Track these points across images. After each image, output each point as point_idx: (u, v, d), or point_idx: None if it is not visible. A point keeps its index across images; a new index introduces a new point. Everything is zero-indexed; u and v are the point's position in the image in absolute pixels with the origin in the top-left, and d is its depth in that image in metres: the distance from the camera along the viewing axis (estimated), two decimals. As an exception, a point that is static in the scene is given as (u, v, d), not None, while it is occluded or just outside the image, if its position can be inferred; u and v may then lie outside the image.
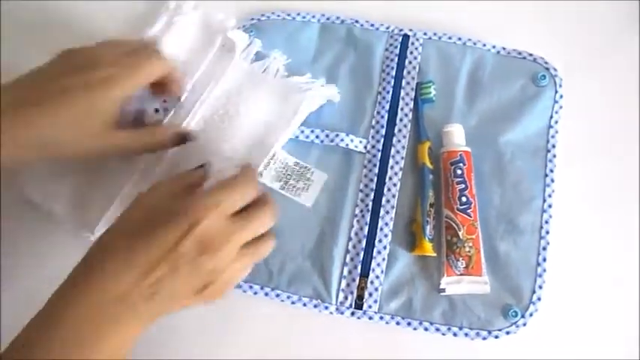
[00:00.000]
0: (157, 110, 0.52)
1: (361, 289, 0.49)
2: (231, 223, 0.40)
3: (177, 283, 0.38)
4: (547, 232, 0.50)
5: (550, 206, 0.51)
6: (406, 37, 0.55)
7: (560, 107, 0.53)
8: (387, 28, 0.56)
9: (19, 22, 0.60)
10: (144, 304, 0.37)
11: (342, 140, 0.52)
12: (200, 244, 0.38)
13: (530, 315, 0.49)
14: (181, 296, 0.39)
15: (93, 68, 0.44)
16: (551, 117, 0.53)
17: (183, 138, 0.49)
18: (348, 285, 0.49)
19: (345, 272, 0.50)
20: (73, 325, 0.36)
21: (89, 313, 0.37)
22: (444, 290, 0.49)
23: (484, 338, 0.48)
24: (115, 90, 0.44)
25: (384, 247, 0.50)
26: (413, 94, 0.53)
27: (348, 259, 0.50)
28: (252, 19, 0.57)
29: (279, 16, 0.57)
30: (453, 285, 0.49)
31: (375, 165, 0.52)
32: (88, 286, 0.37)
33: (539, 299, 0.49)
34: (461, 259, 0.48)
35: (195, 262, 0.38)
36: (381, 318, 0.49)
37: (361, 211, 0.51)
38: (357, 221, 0.51)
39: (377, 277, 0.49)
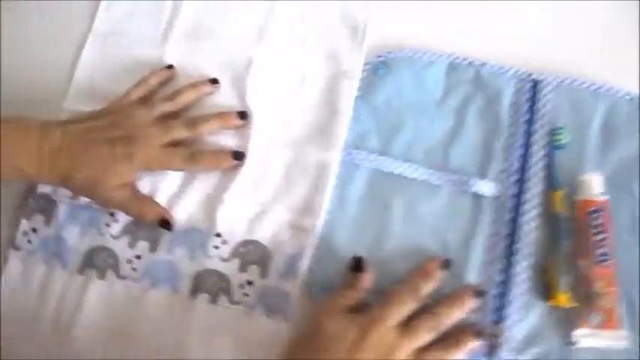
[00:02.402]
0: None
1: (495, 337, 0.49)
2: (399, 335, 0.46)
3: None
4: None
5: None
6: (535, 81, 0.55)
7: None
8: (516, 72, 0.56)
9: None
10: None
11: (474, 185, 0.52)
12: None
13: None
14: None
15: (124, 143, 0.51)
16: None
17: (165, 223, 0.52)
18: (480, 332, 0.49)
19: (477, 319, 0.50)
20: None
21: None
22: (577, 343, 0.48)
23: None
24: (136, 166, 0.51)
25: (519, 296, 0.49)
26: (545, 140, 0.53)
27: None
28: (380, 56, 0.57)
29: (407, 53, 0.57)
30: (588, 338, 0.48)
31: (507, 211, 0.52)
32: None
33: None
34: (597, 311, 0.48)
35: None
36: (515, 367, 0.49)
37: (493, 257, 0.51)
38: (489, 268, 0.50)
39: (512, 325, 0.49)
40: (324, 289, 0.50)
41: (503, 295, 0.49)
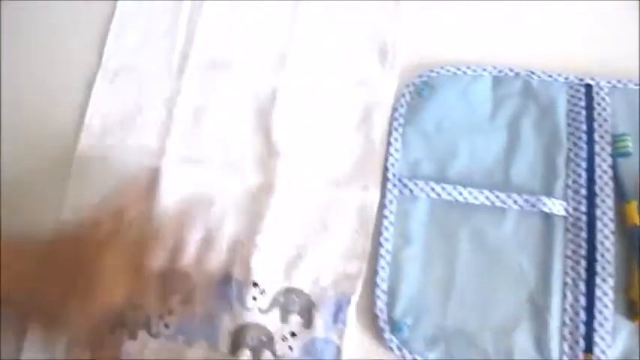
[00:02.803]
0: None
1: (590, 366, 0.46)
2: None
3: None
4: None
5: None
6: (588, 86, 0.52)
7: None
8: (566, 78, 0.53)
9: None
10: None
11: (544, 204, 0.49)
12: None
13: None
14: None
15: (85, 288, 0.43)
16: None
17: None
18: (571, 362, 0.46)
19: (566, 348, 0.46)
20: None
21: None
22: (671, 358, 0.46)
23: None
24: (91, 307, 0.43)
25: (607, 319, 0.47)
26: (609, 148, 0.50)
27: (567, 333, 0.47)
28: (421, 75, 0.54)
29: (449, 71, 0.54)
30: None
31: (581, 229, 0.49)
32: None
33: None
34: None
35: None
36: (612, 396, 0.46)
37: (573, 280, 0.48)
38: (571, 292, 0.48)
39: (603, 351, 0.46)
40: (397, 331, 0.47)
41: (590, 322, 0.47)
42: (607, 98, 0.52)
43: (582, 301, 0.47)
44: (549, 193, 0.50)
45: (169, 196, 0.52)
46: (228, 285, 0.49)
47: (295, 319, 0.49)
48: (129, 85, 0.56)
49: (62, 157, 0.54)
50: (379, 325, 0.48)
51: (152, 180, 0.53)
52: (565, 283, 0.48)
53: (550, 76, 0.53)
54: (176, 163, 0.53)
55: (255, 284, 0.49)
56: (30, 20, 0.60)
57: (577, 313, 0.47)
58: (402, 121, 0.53)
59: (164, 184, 0.52)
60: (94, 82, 0.57)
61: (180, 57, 0.57)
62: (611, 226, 0.48)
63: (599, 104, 0.52)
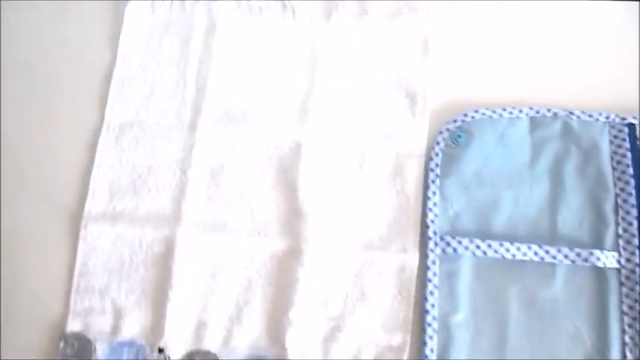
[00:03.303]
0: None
1: None
2: None
3: None
4: None
5: None
6: (631, 125, 0.50)
7: None
8: (607, 117, 0.50)
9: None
10: None
11: (597, 259, 0.46)
12: None
13: None
14: None
15: None
16: None
17: None
18: None
19: (630, 412, 0.44)
20: None
21: None
22: None
23: None
24: None
25: (673, 378, 0.44)
26: (659, 193, 0.48)
27: (629, 396, 0.44)
28: (456, 120, 0.50)
29: (484, 114, 0.50)
30: None
31: (636, 282, 0.46)
32: None
33: None
34: None
35: None
36: None
37: (632, 338, 0.45)
38: (630, 350, 0.45)
39: (671, 413, 0.44)
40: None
41: (656, 382, 0.44)
42: (652, 138, 0.49)
43: (645, 360, 0.44)
44: (600, 245, 0.47)
45: (187, 267, 0.48)
46: None
47: None
48: (136, 143, 0.51)
49: (66, 227, 0.49)
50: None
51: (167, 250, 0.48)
52: (624, 343, 0.45)
53: (590, 115, 0.50)
54: (193, 229, 0.48)
55: None
56: (26, 67, 0.54)
57: (641, 374, 0.44)
58: (438, 172, 0.49)
59: (180, 254, 0.48)
60: (96, 139, 0.51)
61: (192, 111, 0.52)
62: (669, 277, 0.46)
63: (644, 145, 0.49)
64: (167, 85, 0.52)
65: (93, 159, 0.51)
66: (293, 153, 0.50)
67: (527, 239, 0.47)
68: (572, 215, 0.48)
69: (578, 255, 0.46)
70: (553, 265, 0.47)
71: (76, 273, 0.48)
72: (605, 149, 0.49)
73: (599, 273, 0.46)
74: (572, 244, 0.47)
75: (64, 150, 0.52)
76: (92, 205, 0.49)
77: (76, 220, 0.49)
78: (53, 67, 0.54)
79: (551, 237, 0.47)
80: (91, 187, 0.50)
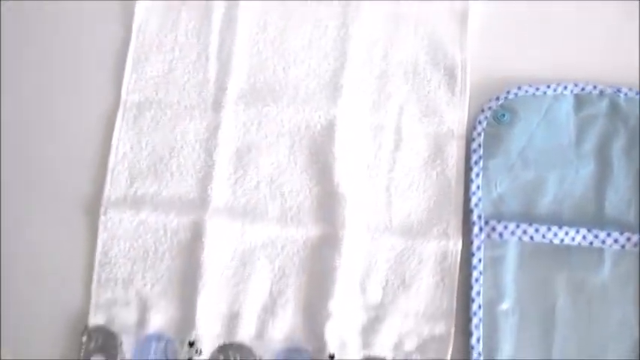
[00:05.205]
0: None
1: None
2: None
3: None
4: None
5: None
6: (681, 102, 0.47)
7: None
8: (657, 94, 0.48)
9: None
10: None
11: (647, 244, 0.44)
12: None
13: None
14: None
15: None
16: None
17: None
18: None
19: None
20: None
21: None
22: None
23: None
24: None
25: None
26: None
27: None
28: (498, 98, 0.47)
29: (527, 91, 0.48)
30: None
31: (688, 267, 0.44)
32: None
33: None
34: None
35: None
36: None
37: (686, 325, 0.43)
38: (686, 338, 0.43)
39: None
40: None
41: None
42: (703, 116, 0.47)
43: (698, 349, 0.43)
44: (649, 227, 0.45)
45: (215, 255, 0.45)
46: (297, 356, 0.43)
47: None
48: (156, 124, 0.48)
49: (84, 214, 0.46)
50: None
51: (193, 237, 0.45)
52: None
53: (638, 93, 0.48)
54: (221, 214, 0.45)
55: (331, 357, 0.43)
56: (36, 45, 0.50)
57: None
58: (482, 153, 0.46)
59: (208, 241, 0.45)
60: (112, 120, 0.48)
61: (216, 88, 0.48)
62: None
63: (695, 124, 0.47)
64: (187, 60, 0.49)
65: (110, 141, 0.47)
66: (326, 132, 0.47)
67: (573, 223, 0.45)
68: (619, 198, 0.46)
69: (629, 239, 0.44)
70: (601, 249, 0.45)
71: (96, 263, 0.45)
72: (655, 128, 0.47)
73: (649, 257, 0.45)
74: (619, 227, 0.45)
75: (79, 132, 0.48)
76: (111, 190, 0.46)
77: (94, 207, 0.46)
78: (64, 43, 0.50)
79: (598, 220, 0.45)
80: (109, 170, 0.47)
